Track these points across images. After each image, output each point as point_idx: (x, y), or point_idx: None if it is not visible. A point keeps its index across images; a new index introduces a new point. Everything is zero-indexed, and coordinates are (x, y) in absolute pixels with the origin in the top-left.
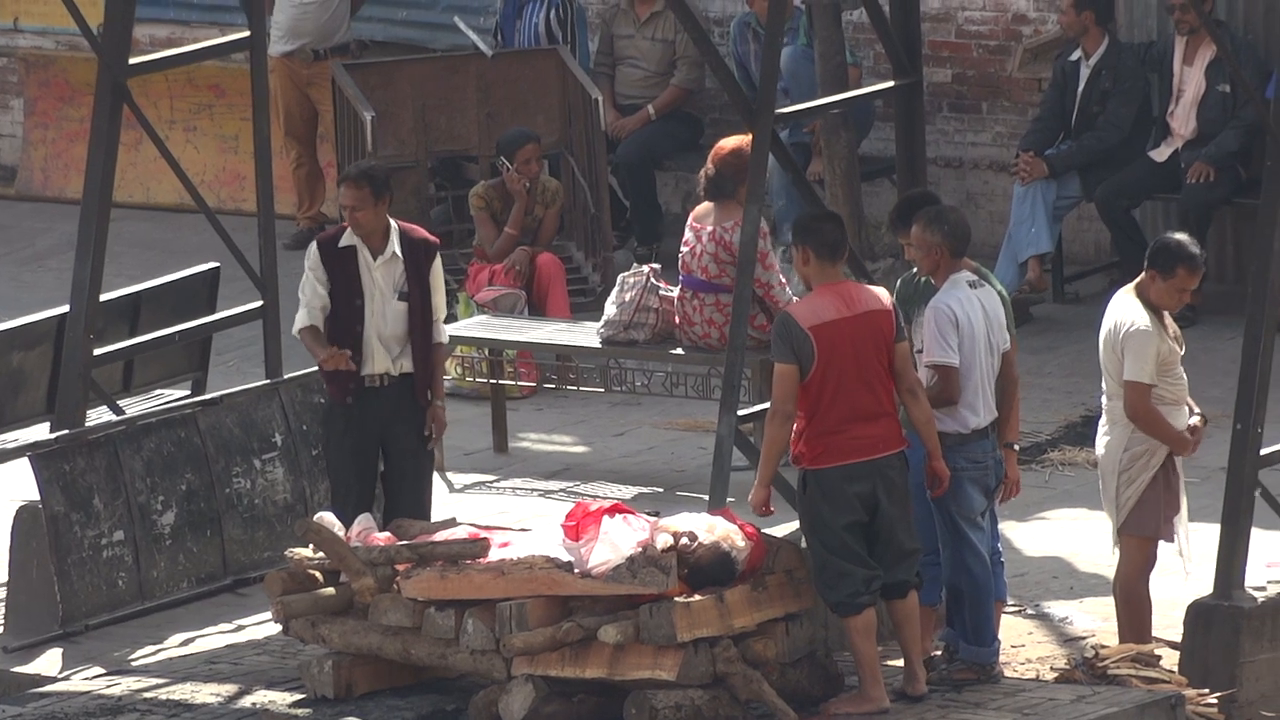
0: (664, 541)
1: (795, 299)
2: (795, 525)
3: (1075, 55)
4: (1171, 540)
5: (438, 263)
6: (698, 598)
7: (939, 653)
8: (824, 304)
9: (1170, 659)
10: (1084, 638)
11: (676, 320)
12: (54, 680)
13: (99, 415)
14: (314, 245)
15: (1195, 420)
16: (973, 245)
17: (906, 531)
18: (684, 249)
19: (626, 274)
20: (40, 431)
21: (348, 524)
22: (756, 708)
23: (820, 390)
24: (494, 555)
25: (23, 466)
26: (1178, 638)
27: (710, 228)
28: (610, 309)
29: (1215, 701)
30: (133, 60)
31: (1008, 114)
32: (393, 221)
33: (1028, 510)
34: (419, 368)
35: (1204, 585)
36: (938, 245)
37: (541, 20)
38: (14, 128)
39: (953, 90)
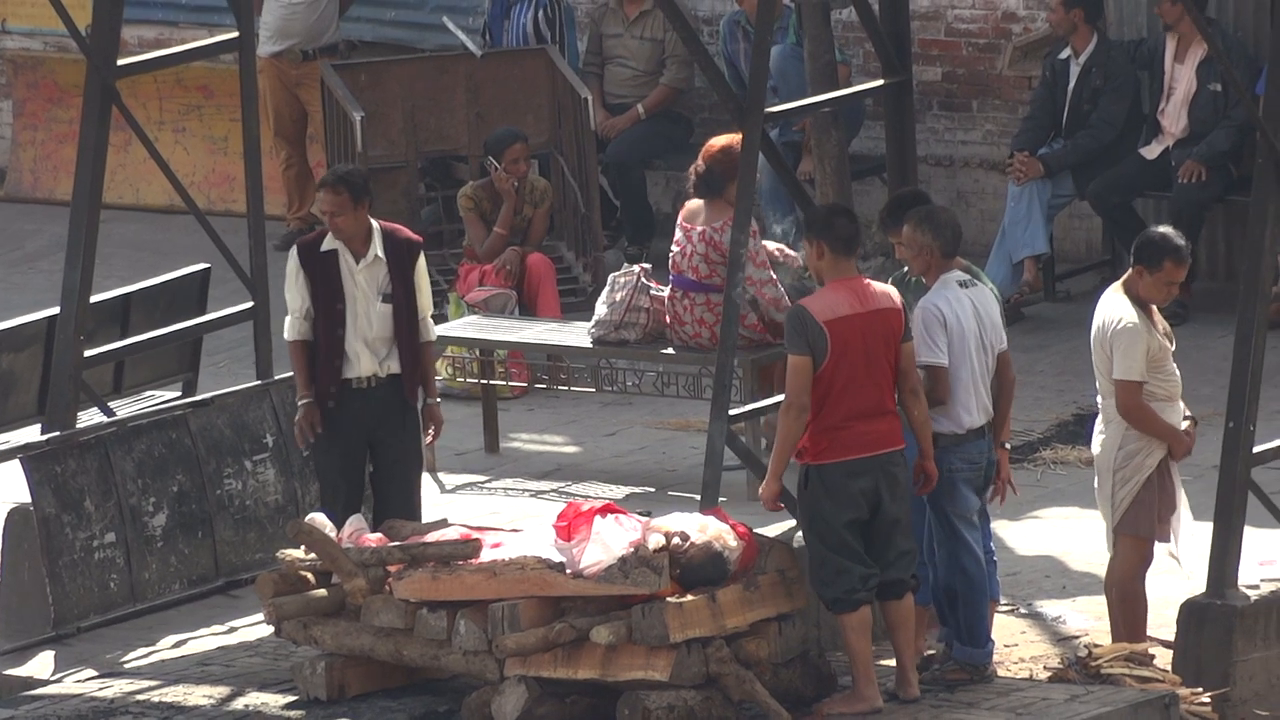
0: (656, 542)
1: (785, 296)
2: (787, 525)
3: (1065, 53)
4: (1167, 540)
5: (422, 261)
6: (690, 598)
7: (933, 652)
8: (838, 299)
9: (1164, 658)
10: (1077, 637)
11: (667, 320)
12: (46, 683)
13: (90, 417)
14: (294, 250)
15: (1185, 424)
16: (964, 244)
17: (905, 531)
18: (674, 249)
19: (617, 274)
20: (31, 433)
21: (339, 525)
22: (749, 708)
23: (830, 385)
24: (486, 556)
25: (14, 469)
26: (1171, 637)
27: (700, 228)
28: (601, 309)
29: (1209, 700)
30: (121, 61)
31: (998, 112)
32: (375, 223)
33: (1020, 509)
34: (407, 368)
35: (1198, 584)
36: (929, 246)
37: (529, 20)
38: (2, 129)
39: (943, 89)
